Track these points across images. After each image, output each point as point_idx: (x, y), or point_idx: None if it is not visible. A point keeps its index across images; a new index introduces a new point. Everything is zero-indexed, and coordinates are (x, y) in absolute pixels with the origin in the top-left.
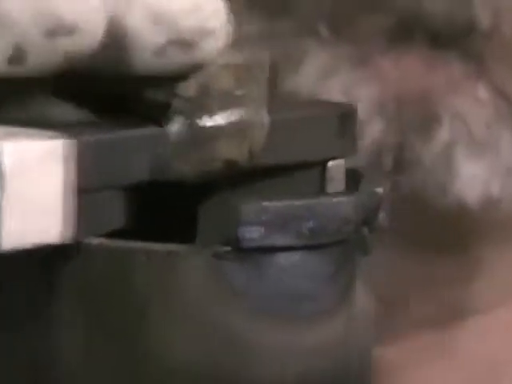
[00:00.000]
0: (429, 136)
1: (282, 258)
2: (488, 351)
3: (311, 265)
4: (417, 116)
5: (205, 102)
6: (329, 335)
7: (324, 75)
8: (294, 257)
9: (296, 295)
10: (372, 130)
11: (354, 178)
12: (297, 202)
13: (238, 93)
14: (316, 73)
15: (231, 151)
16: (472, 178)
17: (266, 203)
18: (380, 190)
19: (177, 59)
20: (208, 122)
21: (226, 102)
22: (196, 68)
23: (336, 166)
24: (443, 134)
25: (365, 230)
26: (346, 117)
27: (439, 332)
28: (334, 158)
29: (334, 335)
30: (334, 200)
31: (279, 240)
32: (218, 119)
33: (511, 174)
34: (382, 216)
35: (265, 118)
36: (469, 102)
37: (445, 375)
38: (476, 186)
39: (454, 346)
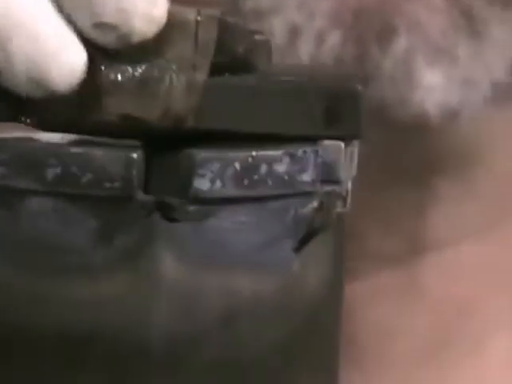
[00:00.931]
0: (387, 45)
1: (31, 203)
2: (451, 287)
3: (65, 214)
4: (374, 26)
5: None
6: (104, 290)
7: None
8: (44, 203)
9: (47, 244)
10: (331, 43)
11: None
12: (40, 146)
13: (154, 51)
14: None
15: (131, 107)
16: (431, 86)
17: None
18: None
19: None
20: (111, 75)
21: (136, 57)
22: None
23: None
24: (401, 43)
25: (172, 198)
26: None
27: (400, 268)
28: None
29: (112, 292)
30: (88, 151)
31: (21, 183)
32: (122, 73)
33: (468, 84)
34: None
35: (195, 79)
36: (425, 11)
37: (407, 313)
38: (435, 94)
39: (417, 283)
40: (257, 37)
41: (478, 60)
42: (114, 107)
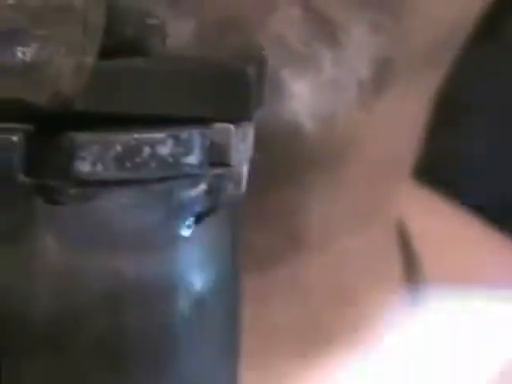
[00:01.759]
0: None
1: None
2: (332, 281)
3: None
4: (238, 42)
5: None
6: None
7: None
8: None
9: None
10: None
11: None
12: None
13: (38, 33)
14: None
15: (18, 90)
16: (299, 97)
17: None
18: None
19: None
20: None
21: (24, 41)
22: None
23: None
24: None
25: (53, 181)
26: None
27: (279, 266)
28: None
29: None
30: None
31: None
32: (9, 57)
33: (336, 88)
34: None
35: (83, 63)
36: (285, 23)
37: (289, 310)
38: (304, 103)
39: (296, 280)
40: (149, 20)
41: (343, 64)
42: (1, 91)
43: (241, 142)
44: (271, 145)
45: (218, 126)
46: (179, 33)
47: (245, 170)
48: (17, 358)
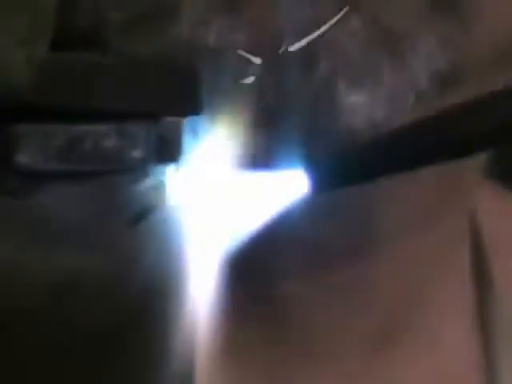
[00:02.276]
0: (309, 73)
1: None
2: (399, 280)
3: None
4: (294, 54)
5: None
6: None
7: (200, 23)
8: None
9: None
10: (251, 73)
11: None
12: None
13: None
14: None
15: None
16: (355, 108)
17: None
18: None
19: None
20: None
21: None
22: None
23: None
24: (322, 69)
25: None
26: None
27: (351, 267)
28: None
29: None
30: None
31: None
32: None
33: (393, 99)
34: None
35: (34, 55)
36: (343, 35)
37: (359, 309)
38: (360, 114)
39: (367, 278)
40: (108, 14)
41: (402, 74)
42: None
43: (190, 137)
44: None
45: (166, 120)
46: (234, 42)
47: (195, 165)
48: None
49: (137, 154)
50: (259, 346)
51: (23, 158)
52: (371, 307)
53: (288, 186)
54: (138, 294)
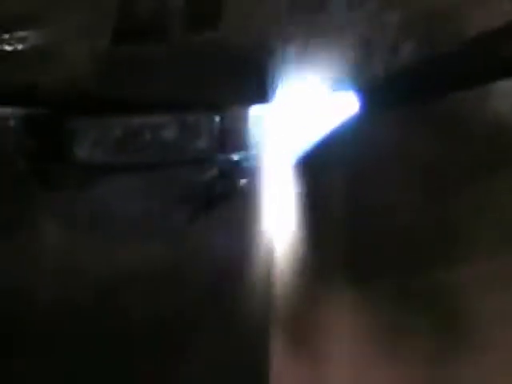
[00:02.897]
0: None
1: None
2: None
3: None
4: (446, 32)
5: None
6: None
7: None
8: None
9: None
10: (404, 51)
11: None
12: None
13: (51, 17)
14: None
15: (33, 74)
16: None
17: None
18: None
19: None
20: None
21: (34, 26)
22: None
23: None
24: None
25: (52, 166)
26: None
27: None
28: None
29: None
30: None
31: None
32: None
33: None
34: None
35: (97, 47)
36: (494, 16)
37: None
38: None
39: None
40: (169, 2)
41: None
42: (17, 76)
43: (254, 127)
44: (473, 139)
45: (230, 110)
46: (386, 24)
47: (261, 154)
48: (22, 342)
49: (199, 144)
50: (424, 333)
51: (81, 152)
52: None
53: (341, 108)
54: (206, 284)
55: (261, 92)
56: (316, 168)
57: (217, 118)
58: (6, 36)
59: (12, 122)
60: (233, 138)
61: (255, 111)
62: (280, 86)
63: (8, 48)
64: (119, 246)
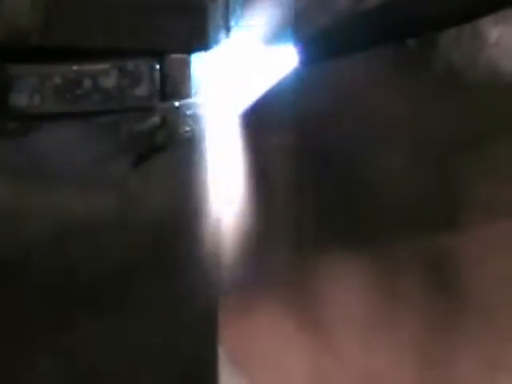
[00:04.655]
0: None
1: None
2: None
3: None
4: None
5: None
6: None
7: None
8: None
9: None
10: None
11: None
12: None
13: None
14: None
15: None
16: (499, 43)
17: None
18: None
19: None
20: None
21: None
22: None
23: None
24: None
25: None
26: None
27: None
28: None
29: None
30: None
31: None
32: None
33: None
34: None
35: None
36: None
37: None
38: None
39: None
40: None
41: None
42: None
43: (197, 75)
44: (466, 92)
45: (171, 56)
46: None
47: (204, 102)
48: None
49: (140, 92)
50: (424, 299)
51: (20, 100)
52: None
53: (279, 61)
54: (149, 230)
55: (202, 39)
56: (263, 119)
57: (157, 65)
58: None
59: None
60: (174, 85)
61: (198, 59)
62: (222, 34)
63: None
64: (60, 195)
